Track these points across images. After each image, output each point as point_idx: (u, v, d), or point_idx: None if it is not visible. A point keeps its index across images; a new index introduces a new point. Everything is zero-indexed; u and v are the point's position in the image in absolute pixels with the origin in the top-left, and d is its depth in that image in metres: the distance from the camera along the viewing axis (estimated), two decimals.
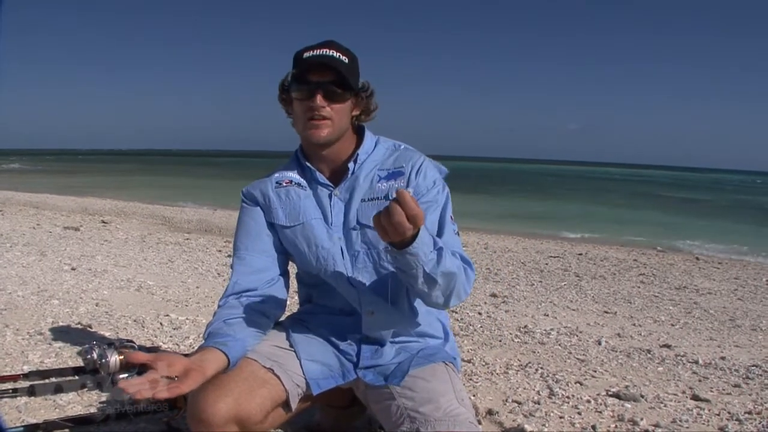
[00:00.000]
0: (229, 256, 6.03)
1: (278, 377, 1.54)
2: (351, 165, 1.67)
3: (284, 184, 1.72)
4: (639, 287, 5.82)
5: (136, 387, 1.21)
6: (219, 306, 1.61)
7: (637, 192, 32.45)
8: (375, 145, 1.73)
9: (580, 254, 7.93)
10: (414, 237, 1.32)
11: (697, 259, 8.26)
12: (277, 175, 1.75)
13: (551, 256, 7.58)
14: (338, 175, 1.70)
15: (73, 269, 4.66)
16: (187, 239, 7.27)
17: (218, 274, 5.06)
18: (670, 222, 15.81)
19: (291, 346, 1.66)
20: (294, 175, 1.73)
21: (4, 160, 45.92)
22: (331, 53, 1.59)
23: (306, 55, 1.60)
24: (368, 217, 1.59)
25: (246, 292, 1.64)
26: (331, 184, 1.69)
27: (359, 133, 1.75)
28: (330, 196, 1.68)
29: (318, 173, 1.69)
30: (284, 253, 1.73)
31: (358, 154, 1.68)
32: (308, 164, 1.70)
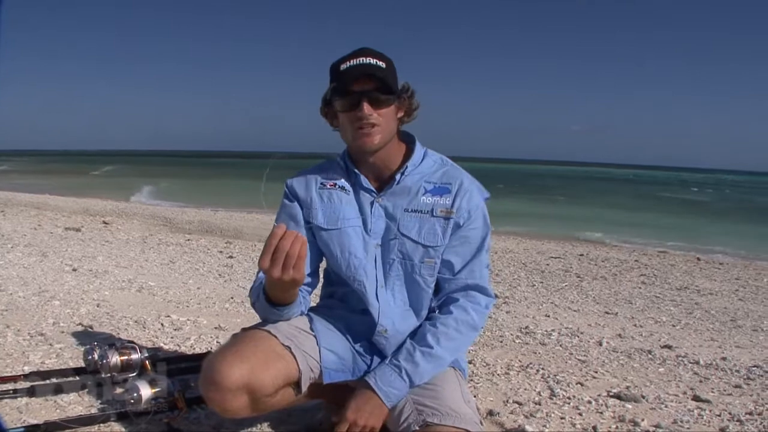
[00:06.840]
0: (230, 257, 6.05)
1: (294, 356, 1.58)
2: (398, 176, 1.69)
3: (328, 186, 1.74)
4: (640, 288, 5.82)
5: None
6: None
7: (639, 193, 32.44)
8: (423, 157, 1.75)
9: (581, 255, 7.94)
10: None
11: (698, 259, 8.26)
12: (322, 174, 1.77)
13: (552, 257, 7.58)
14: (383, 183, 1.72)
15: (74, 270, 4.66)
16: (188, 240, 7.29)
17: (219, 275, 5.06)
18: (671, 223, 15.81)
19: (312, 331, 1.70)
20: (339, 179, 1.75)
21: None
22: (368, 61, 1.61)
23: (343, 66, 1.61)
24: (408, 227, 1.65)
25: None
26: (374, 190, 1.71)
27: (408, 141, 1.76)
28: (372, 203, 1.69)
29: (363, 178, 1.71)
30: (318, 251, 1.75)
31: (407, 166, 1.70)
32: (355, 170, 1.72)
